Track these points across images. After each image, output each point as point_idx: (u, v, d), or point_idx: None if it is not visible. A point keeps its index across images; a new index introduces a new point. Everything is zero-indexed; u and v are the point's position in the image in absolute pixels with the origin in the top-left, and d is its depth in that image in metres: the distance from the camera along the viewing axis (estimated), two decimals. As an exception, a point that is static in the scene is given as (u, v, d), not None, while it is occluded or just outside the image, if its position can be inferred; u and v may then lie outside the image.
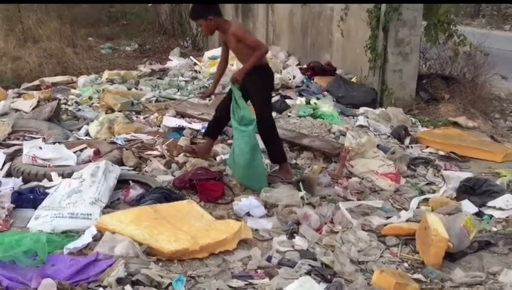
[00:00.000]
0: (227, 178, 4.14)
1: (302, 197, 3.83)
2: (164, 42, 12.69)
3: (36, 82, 6.97)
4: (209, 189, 3.84)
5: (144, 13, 13.30)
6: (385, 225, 3.59)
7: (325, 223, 3.59)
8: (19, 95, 6.34)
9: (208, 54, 9.78)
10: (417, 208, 3.91)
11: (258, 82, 4.06)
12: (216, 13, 4.07)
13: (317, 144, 4.73)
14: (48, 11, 11.76)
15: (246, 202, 3.72)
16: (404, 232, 3.48)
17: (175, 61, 9.57)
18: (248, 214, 3.65)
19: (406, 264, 3.22)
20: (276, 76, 7.09)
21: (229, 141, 4.96)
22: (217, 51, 9.99)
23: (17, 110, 5.63)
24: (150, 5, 13.47)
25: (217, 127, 4.49)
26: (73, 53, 10.24)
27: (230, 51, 4.28)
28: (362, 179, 4.35)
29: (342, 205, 3.77)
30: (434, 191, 4.29)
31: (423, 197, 4.11)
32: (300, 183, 3.94)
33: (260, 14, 9.52)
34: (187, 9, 12.03)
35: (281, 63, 8.19)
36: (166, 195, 3.63)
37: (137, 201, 3.60)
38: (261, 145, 4.17)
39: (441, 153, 4.99)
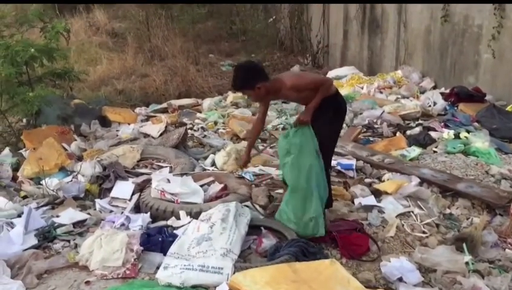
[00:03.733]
0: (370, 229, 3.58)
1: (466, 263, 3.15)
2: (284, 59, 12.48)
3: (164, 105, 7.01)
4: (352, 243, 3.32)
5: (264, 29, 13.21)
6: None
7: (500, 301, 2.88)
8: (147, 118, 6.37)
9: (331, 73, 9.29)
10: None
11: (326, 115, 3.45)
12: (264, 78, 3.43)
13: (476, 190, 3.98)
14: (174, 28, 12.13)
15: (396, 264, 3.14)
16: None
17: (296, 80, 9.19)
18: (400, 279, 3.05)
19: None
20: (414, 102, 6.41)
21: (366, 180, 4.42)
22: (341, 71, 9.47)
23: (145, 134, 5.60)
24: (270, 20, 13.36)
25: None
26: (196, 71, 10.38)
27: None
28: (538, 239, 3.53)
29: (520, 278, 3.02)
30: None
31: None
32: (464, 245, 3.26)
33: (390, 30, 8.79)
34: (308, 25, 11.76)
35: (416, 85, 7.42)
36: (303, 249, 3.17)
37: (271, 254, 3.19)
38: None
39: None
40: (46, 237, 3.58)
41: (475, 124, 5.58)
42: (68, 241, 3.57)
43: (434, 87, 7.41)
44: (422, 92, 7.00)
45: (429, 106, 6.15)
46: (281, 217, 3.50)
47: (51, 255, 3.40)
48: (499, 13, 6.22)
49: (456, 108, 6.14)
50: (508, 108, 5.91)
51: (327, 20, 10.86)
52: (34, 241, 3.51)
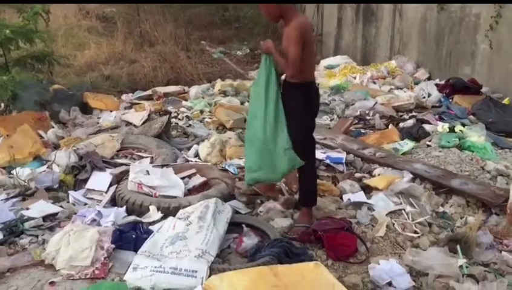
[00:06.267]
0: (358, 228, 3.37)
1: (460, 266, 2.95)
2: (277, 47, 12.19)
3: (149, 92, 6.73)
4: (339, 243, 3.10)
5: (258, 17, 12.91)
6: None
7: (495, 309, 2.69)
8: (131, 106, 6.11)
9: (324, 62, 9.03)
10: None
11: (292, 102, 3.30)
12: None
13: (471, 187, 3.78)
14: (165, 14, 11.81)
15: (385, 267, 2.93)
16: None
17: (287, 69, 8.94)
18: (389, 283, 2.85)
19: None
20: (408, 93, 6.20)
21: (357, 174, 4.21)
22: (334, 60, 9.21)
23: (127, 123, 5.34)
24: (263, 8, 13.06)
25: None
26: (186, 57, 10.08)
27: None
28: (536, 241, 3.33)
29: (517, 284, 2.83)
30: None
31: None
32: (458, 246, 3.05)
33: (385, 19, 8.55)
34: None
35: (410, 76, 7.20)
36: (286, 249, 2.96)
37: (252, 255, 2.97)
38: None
39: None
40: (12, 231, 3.34)
41: (471, 117, 5.38)
42: (36, 236, 3.33)
43: (429, 78, 7.21)
44: (417, 83, 6.79)
45: (424, 97, 5.94)
46: (249, 175, 3.39)
47: (16, 251, 3.16)
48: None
49: (451, 100, 5.93)
50: (505, 101, 5.71)
51: (321, 8, 10.59)
52: (-1, 236, 3.28)
